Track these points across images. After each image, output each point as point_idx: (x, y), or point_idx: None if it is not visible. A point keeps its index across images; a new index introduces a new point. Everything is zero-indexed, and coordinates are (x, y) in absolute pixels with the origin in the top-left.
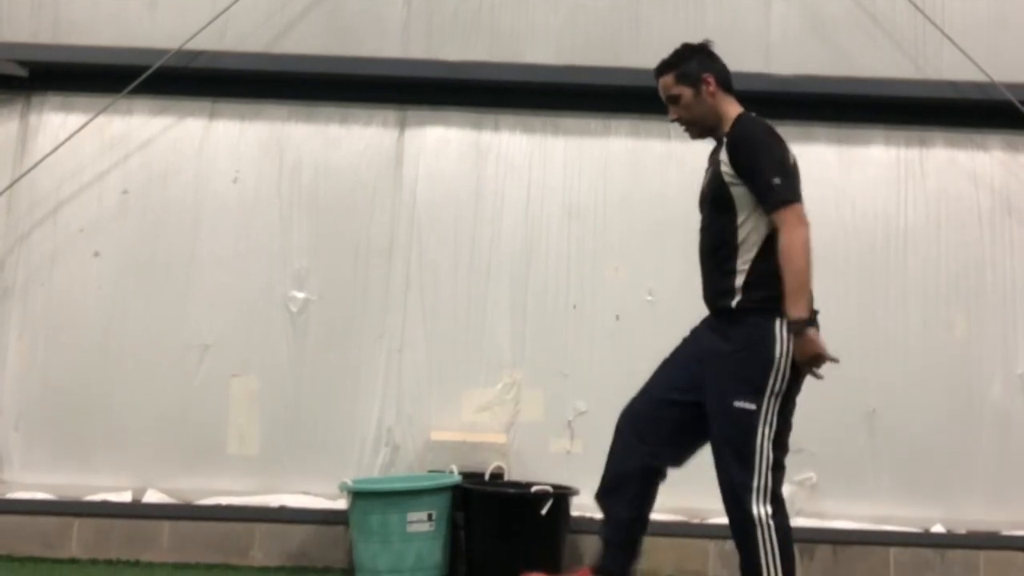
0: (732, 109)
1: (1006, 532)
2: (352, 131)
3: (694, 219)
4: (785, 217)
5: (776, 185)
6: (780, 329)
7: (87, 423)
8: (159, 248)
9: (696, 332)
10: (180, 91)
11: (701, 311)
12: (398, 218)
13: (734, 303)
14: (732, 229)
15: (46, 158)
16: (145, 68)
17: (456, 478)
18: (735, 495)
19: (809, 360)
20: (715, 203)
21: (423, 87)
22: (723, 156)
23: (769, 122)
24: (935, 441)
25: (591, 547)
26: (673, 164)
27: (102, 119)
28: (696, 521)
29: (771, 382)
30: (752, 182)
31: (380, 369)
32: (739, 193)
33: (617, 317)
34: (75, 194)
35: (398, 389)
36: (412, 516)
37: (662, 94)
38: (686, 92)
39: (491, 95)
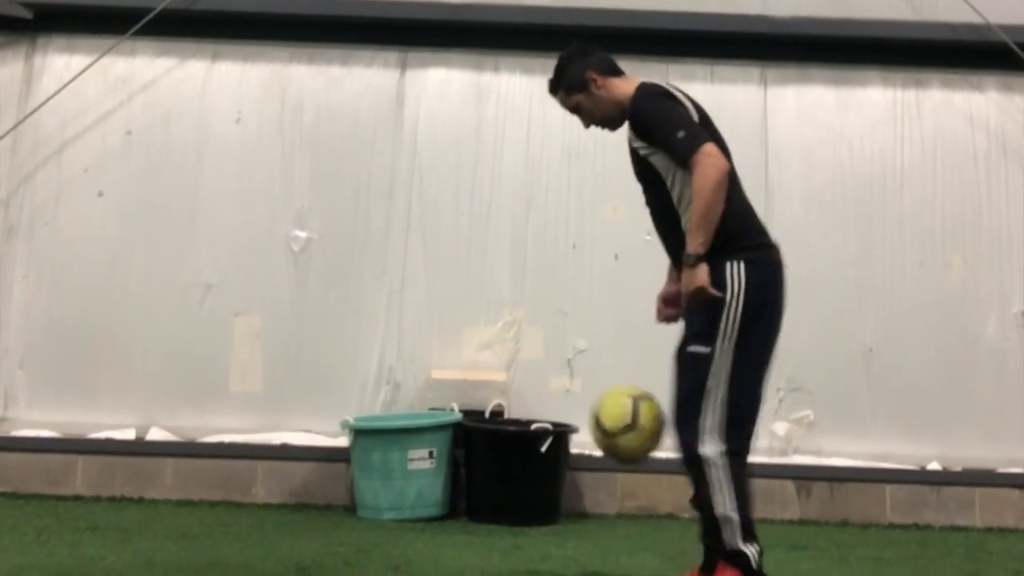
0: (627, 87)
1: (1001, 469)
2: (353, 72)
3: None
4: (697, 160)
5: (681, 138)
6: (730, 272)
7: (91, 362)
8: (162, 188)
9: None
10: (183, 33)
11: None
12: (399, 159)
13: (690, 261)
14: (667, 194)
15: (50, 99)
16: (149, 10)
17: (456, 416)
18: (686, 436)
19: (693, 293)
20: (644, 177)
21: (424, 28)
22: (630, 134)
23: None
24: (931, 379)
25: (590, 484)
26: None
27: (106, 60)
28: None
29: (723, 325)
30: (662, 145)
31: (381, 308)
32: (657, 160)
33: (616, 257)
34: (79, 135)
35: (399, 328)
36: (413, 453)
37: (564, 109)
38: (580, 99)
39: (492, 36)
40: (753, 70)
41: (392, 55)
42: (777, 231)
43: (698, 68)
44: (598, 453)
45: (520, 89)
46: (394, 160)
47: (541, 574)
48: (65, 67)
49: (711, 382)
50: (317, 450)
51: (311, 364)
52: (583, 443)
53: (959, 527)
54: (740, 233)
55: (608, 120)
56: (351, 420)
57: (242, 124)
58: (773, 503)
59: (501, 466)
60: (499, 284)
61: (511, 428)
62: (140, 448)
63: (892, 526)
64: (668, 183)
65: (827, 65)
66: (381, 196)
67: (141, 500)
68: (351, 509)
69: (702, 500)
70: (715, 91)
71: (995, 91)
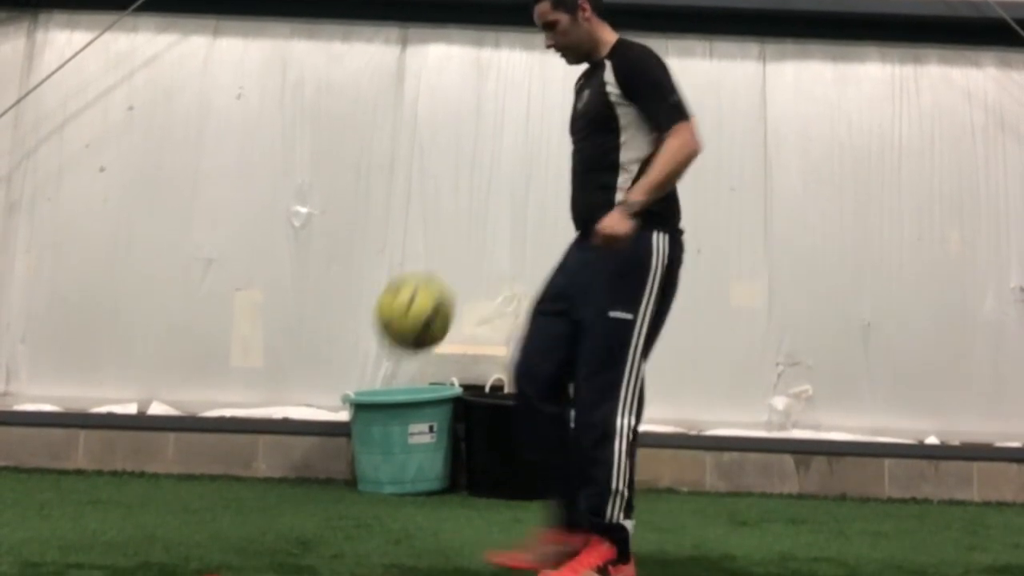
0: (608, 34)
1: (999, 444)
2: (354, 48)
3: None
4: (682, 129)
5: (674, 102)
6: (656, 241)
7: (93, 336)
8: (164, 163)
9: (566, 260)
10: (184, 8)
11: (699, 223)
12: (399, 134)
13: None
14: (615, 148)
15: (52, 75)
16: None
17: (457, 390)
18: (601, 406)
19: (610, 236)
20: (597, 123)
21: (425, 4)
22: (608, 78)
23: (762, 40)
24: (929, 354)
25: None
26: None
27: (108, 36)
28: (694, 433)
29: (647, 293)
30: (648, 101)
31: (382, 283)
32: (624, 113)
33: None
34: (81, 110)
35: None
36: (413, 428)
37: (538, 21)
38: (563, 18)
39: (492, 12)
40: (752, 46)
41: (393, 31)
42: (775, 206)
43: (697, 44)
44: None
45: (520, 65)
46: (395, 135)
47: None
48: (67, 43)
49: (632, 351)
50: (318, 424)
51: (312, 339)
52: None
53: (957, 501)
54: (672, 212)
55: (573, 51)
56: (352, 394)
57: (243, 100)
58: (772, 477)
59: (501, 440)
60: (499, 259)
61: (511, 402)
62: (141, 422)
63: (890, 500)
64: (623, 138)
65: (825, 41)
66: (382, 171)
67: (142, 474)
68: (352, 483)
69: (601, 472)
70: (714, 67)
71: (993, 67)
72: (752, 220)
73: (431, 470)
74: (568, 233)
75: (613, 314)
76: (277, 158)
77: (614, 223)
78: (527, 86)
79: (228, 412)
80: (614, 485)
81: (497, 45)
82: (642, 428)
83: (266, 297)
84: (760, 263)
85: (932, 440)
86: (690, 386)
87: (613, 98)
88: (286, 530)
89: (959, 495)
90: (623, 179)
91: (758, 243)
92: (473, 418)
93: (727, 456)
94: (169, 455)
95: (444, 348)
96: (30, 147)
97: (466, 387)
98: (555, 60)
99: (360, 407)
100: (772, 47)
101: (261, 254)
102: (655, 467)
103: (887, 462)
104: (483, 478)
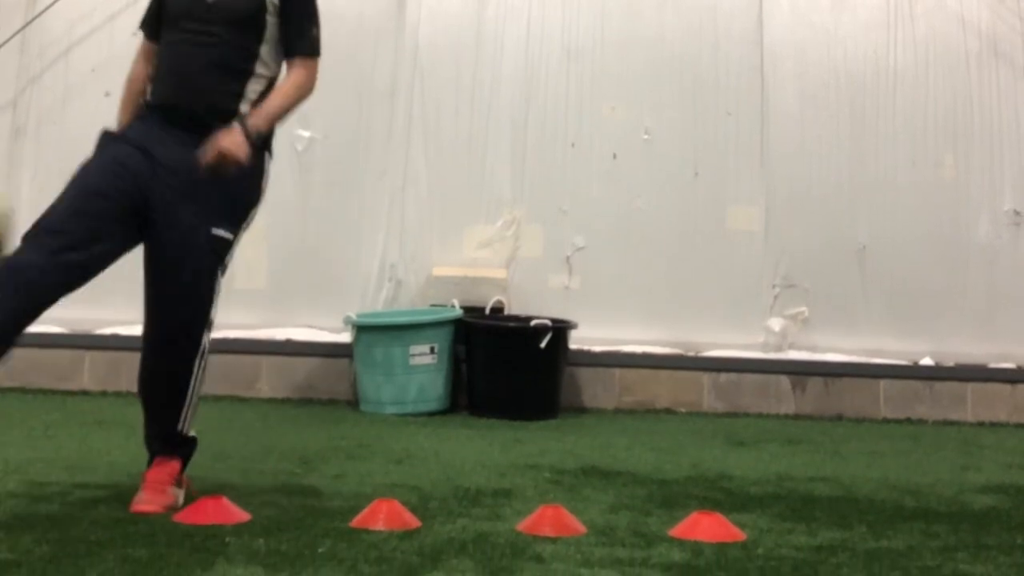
0: None
1: (992, 365)
2: None
3: (691, 61)
4: (313, 64)
5: (318, 35)
6: (266, 165)
7: None
8: None
9: (150, 141)
10: None
11: (696, 147)
12: (401, 59)
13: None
14: (251, 55)
15: (58, 0)
16: None
17: (457, 312)
18: (189, 324)
19: (230, 157)
20: (243, 22)
21: None
22: None
23: None
24: (924, 276)
25: (588, 380)
26: (669, 5)
27: None
28: (691, 354)
29: (249, 216)
30: (297, 22)
31: (383, 207)
32: (272, 23)
33: (614, 155)
34: (87, 35)
35: (401, 226)
36: (414, 349)
37: None
38: None
39: None
40: None
41: None
42: (772, 130)
43: None
44: (597, 349)
45: None
46: (396, 61)
47: (540, 467)
48: None
49: (222, 271)
50: (320, 346)
51: (315, 261)
52: (582, 339)
53: (951, 422)
54: (271, 142)
55: None
56: (354, 316)
57: None
58: (768, 398)
59: (501, 362)
60: (499, 183)
61: (511, 324)
62: None
63: (885, 420)
64: (261, 50)
65: None
66: (383, 97)
67: None
68: (354, 404)
69: (178, 386)
70: None
71: None
72: (749, 145)
73: (432, 391)
74: (567, 156)
75: (216, 232)
76: None
77: (237, 146)
78: (527, 11)
79: (232, 333)
80: (194, 400)
81: None
82: (641, 349)
83: (269, 220)
84: (757, 187)
85: (927, 361)
86: (688, 308)
87: (270, 6)
88: (288, 450)
89: (953, 415)
90: (252, 90)
91: (755, 167)
92: (473, 340)
93: (724, 377)
94: None
95: (445, 271)
96: (35, 72)
97: (467, 309)
98: None
99: (362, 329)
100: None
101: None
102: (653, 388)
103: (882, 383)
104: (484, 399)
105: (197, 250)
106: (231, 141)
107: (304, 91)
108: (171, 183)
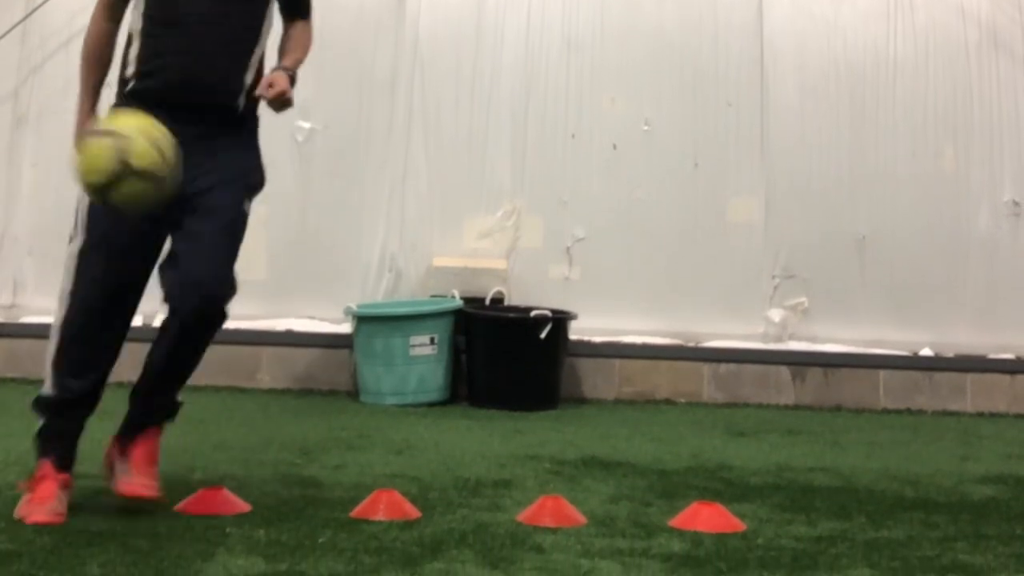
0: None
1: (992, 355)
2: None
3: (691, 52)
4: (311, 26)
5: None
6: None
7: None
8: None
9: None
10: None
11: (696, 137)
12: (401, 50)
13: (241, 104)
14: (258, 27)
15: None
16: None
17: (457, 303)
18: (219, 297)
19: (287, 97)
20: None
21: None
22: None
23: None
24: (924, 267)
25: (588, 370)
26: None
27: None
28: (691, 345)
29: (257, 191)
30: None
31: (384, 197)
32: None
33: (614, 146)
34: (87, 26)
35: (401, 216)
36: (415, 340)
37: None
38: None
39: None
40: None
41: None
42: (772, 121)
43: None
44: (597, 339)
45: None
46: (396, 52)
47: (540, 458)
48: None
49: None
50: (321, 336)
51: (315, 251)
52: (582, 329)
53: (951, 412)
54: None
55: None
56: (354, 307)
57: None
58: (768, 388)
59: (501, 352)
60: (499, 174)
61: (511, 315)
62: (147, 335)
63: (885, 411)
64: (265, 16)
65: None
66: (383, 88)
67: None
68: (354, 394)
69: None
70: None
71: None
72: (749, 136)
73: (432, 381)
74: (567, 147)
75: (245, 208)
76: None
77: (287, 88)
78: (527, 2)
79: (232, 324)
80: (195, 369)
81: None
82: (641, 340)
83: (269, 210)
84: (757, 178)
85: (926, 352)
86: (687, 299)
87: None
88: (289, 441)
89: (952, 406)
90: (256, 58)
91: (755, 158)
92: (474, 330)
93: (724, 368)
94: None
95: (445, 261)
96: (37, 63)
97: (467, 300)
98: None
99: (362, 319)
100: None
101: (265, 168)
102: (653, 378)
103: (882, 373)
104: (484, 389)
105: (230, 222)
106: (283, 82)
107: (310, 44)
108: (214, 160)
